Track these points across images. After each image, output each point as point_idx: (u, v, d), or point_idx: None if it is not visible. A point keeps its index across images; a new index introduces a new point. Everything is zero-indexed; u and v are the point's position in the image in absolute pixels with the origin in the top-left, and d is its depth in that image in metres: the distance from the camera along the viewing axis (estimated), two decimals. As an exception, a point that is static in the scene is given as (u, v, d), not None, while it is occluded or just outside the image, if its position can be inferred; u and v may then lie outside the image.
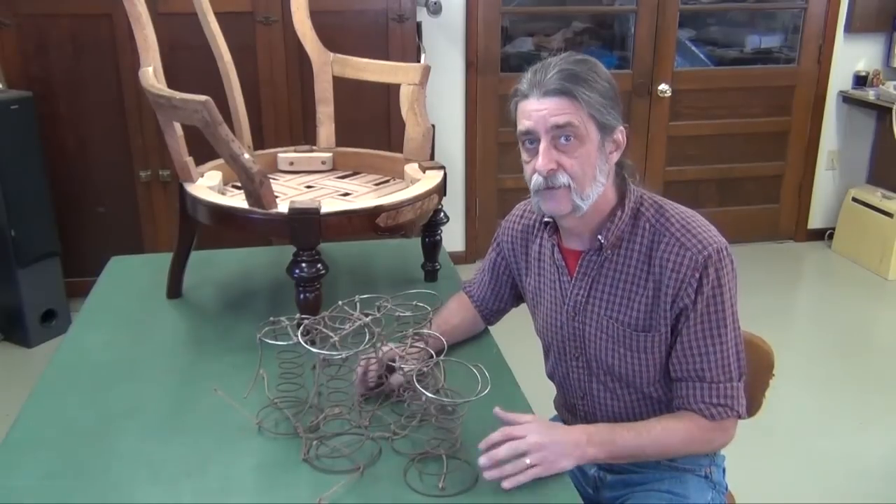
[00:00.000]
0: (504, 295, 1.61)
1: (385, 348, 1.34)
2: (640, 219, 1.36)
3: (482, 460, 1.17)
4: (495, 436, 1.19)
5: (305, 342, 1.23)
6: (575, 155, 1.28)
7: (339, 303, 1.35)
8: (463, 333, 1.59)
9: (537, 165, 1.28)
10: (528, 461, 1.17)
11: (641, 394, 1.41)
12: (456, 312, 1.60)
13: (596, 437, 1.25)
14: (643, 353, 1.37)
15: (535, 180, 1.30)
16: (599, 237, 1.36)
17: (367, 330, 1.28)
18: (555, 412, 1.66)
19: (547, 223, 1.44)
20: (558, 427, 1.26)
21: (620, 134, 1.33)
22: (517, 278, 1.57)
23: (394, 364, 1.35)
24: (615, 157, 1.34)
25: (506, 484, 1.16)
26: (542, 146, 1.28)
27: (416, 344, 1.34)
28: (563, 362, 1.49)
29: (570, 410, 1.55)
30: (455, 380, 1.34)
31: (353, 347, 1.24)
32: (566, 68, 1.27)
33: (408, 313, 1.38)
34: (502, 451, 1.17)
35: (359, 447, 1.25)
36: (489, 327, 1.65)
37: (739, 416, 1.35)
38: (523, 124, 1.30)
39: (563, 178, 1.28)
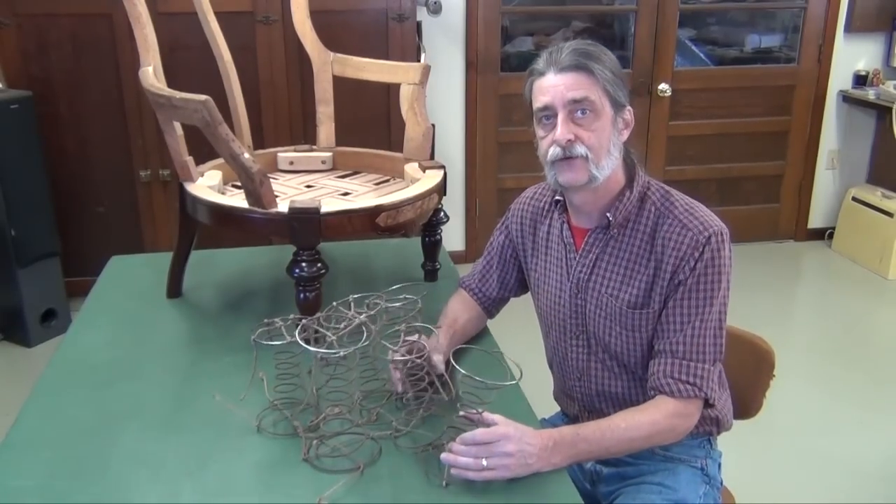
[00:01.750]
0: (509, 282, 1.62)
1: (411, 340, 1.35)
2: (647, 202, 1.40)
3: (444, 457, 1.17)
4: (467, 436, 1.18)
5: (301, 340, 1.23)
6: (591, 128, 1.33)
7: (334, 303, 1.35)
8: (472, 330, 1.60)
9: (556, 136, 1.32)
10: (484, 463, 1.16)
11: (637, 375, 1.43)
12: (462, 311, 1.59)
13: (560, 444, 1.23)
14: (636, 332, 1.39)
15: (553, 152, 1.34)
16: (608, 215, 1.39)
17: (364, 329, 1.28)
18: (555, 409, 1.66)
19: (558, 201, 1.47)
20: (529, 435, 1.21)
21: (629, 114, 1.39)
22: (522, 260, 1.59)
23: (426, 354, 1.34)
24: (626, 134, 1.39)
25: (454, 471, 1.16)
26: (561, 118, 1.32)
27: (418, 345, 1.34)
28: (563, 342, 1.50)
29: (569, 395, 1.56)
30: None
31: (350, 346, 1.24)
32: (579, 47, 1.34)
33: (397, 304, 1.38)
34: (462, 461, 1.16)
35: (359, 447, 1.25)
36: (488, 327, 1.65)
37: (707, 400, 1.35)
38: (540, 101, 1.34)
39: (580, 149, 1.32)
